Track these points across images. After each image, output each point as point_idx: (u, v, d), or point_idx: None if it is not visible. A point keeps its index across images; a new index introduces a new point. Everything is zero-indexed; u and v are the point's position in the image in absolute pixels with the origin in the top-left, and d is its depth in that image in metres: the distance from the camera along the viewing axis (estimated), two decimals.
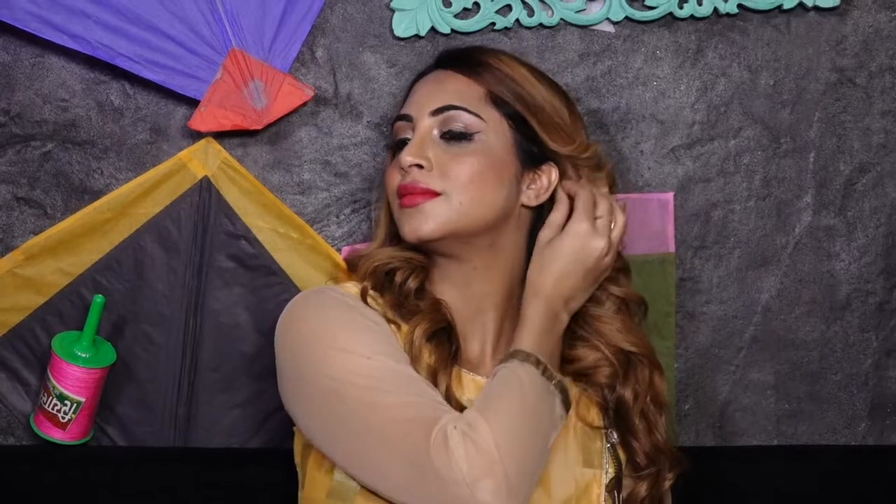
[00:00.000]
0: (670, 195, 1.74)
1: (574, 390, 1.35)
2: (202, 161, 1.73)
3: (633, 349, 1.37)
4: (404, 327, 1.30)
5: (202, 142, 1.72)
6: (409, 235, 1.33)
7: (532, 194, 1.37)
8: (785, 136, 1.75)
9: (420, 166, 1.33)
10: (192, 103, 1.70)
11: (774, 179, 1.75)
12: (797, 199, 1.76)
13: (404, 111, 1.40)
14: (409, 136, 1.38)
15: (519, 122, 1.37)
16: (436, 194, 1.32)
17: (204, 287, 1.75)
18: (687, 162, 1.75)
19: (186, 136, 1.73)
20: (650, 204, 1.74)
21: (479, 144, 1.35)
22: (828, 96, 1.74)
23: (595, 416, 1.37)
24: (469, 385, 1.32)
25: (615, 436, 1.37)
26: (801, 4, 1.70)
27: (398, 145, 1.39)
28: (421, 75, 1.46)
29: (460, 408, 1.26)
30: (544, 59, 1.71)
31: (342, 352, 1.22)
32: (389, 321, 1.30)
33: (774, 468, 1.70)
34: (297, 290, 1.69)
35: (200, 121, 1.69)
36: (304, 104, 1.72)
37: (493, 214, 1.35)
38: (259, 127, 1.70)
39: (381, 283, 1.35)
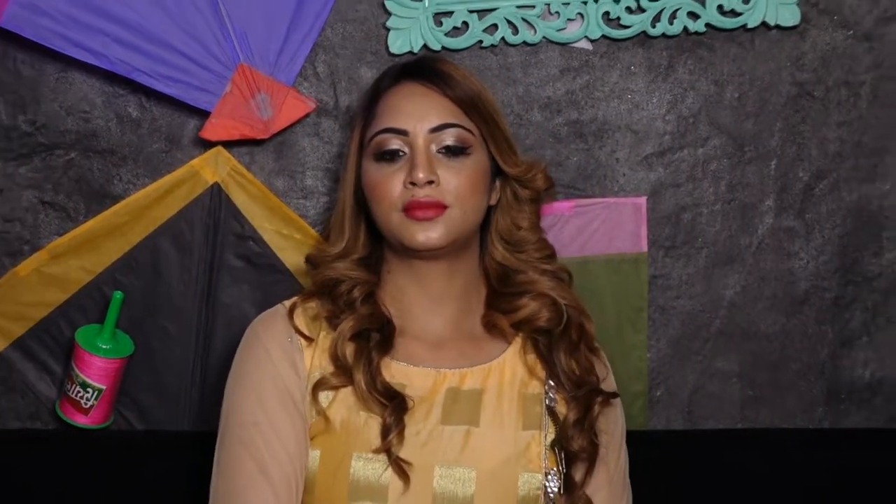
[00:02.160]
0: (643, 199, 1.78)
1: (521, 370, 1.43)
2: (213, 168, 1.76)
3: (561, 300, 1.44)
4: (321, 337, 1.40)
5: (213, 150, 1.76)
6: (422, 244, 1.38)
7: (494, 195, 1.46)
8: (749, 144, 1.78)
9: (431, 182, 1.37)
10: (204, 115, 1.74)
11: (739, 185, 1.78)
12: (760, 202, 1.78)
13: (396, 125, 1.41)
14: (400, 149, 1.40)
15: (487, 136, 1.43)
16: (445, 207, 1.38)
17: (215, 283, 1.79)
18: (659, 169, 1.78)
19: (198, 145, 1.77)
20: (625, 207, 1.78)
21: (473, 157, 1.41)
22: (788, 108, 1.77)
23: (536, 385, 1.43)
24: (398, 372, 1.39)
25: (553, 398, 1.42)
26: (763, 24, 1.73)
27: (388, 156, 1.41)
28: (389, 84, 1.46)
29: (388, 390, 1.36)
30: (528, 74, 1.76)
31: (238, 392, 1.39)
32: (305, 337, 1.40)
33: (739, 450, 1.72)
34: (299, 286, 1.73)
35: (211, 131, 1.73)
36: (307, 115, 1.76)
37: (480, 218, 1.44)
38: (265, 136, 1.74)
39: (330, 291, 1.43)
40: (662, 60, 1.77)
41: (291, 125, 1.76)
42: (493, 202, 1.46)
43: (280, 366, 1.38)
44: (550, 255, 1.49)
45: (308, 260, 1.50)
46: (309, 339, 1.40)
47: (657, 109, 1.78)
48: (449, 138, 1.40)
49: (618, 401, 1.49)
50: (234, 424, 1.37)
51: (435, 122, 1.40)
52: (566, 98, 1.77)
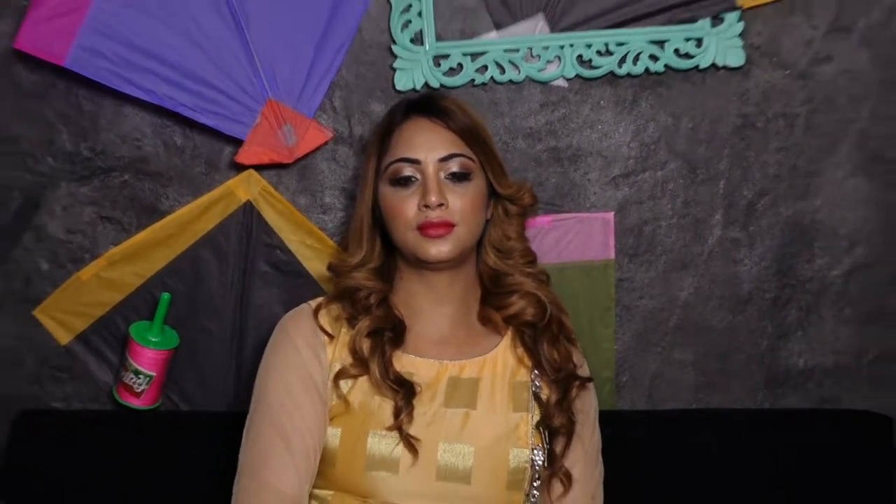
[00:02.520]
0: (611, 214, 1.82)
1: (511, 361, 1.48)
2: (245, 188, 1.81)
3: (544, 298, 1.49)
4: (342, 334, 1.44)
5: (245, 173, 1.81)
6: (434, 257, 1.43)
7: (489, 211, 1.53)
8: (701, 167, 1.82)
9: (441, 205, 1.43)
10: (238, 142, 1.78)
11: (692, 202, 1.82)
12: (710, 217, 1.83)
13: (410, 155, 1.45)
14: (413, 175, 1.45)
15: (484, 163, 1.49)
16: (453, 226, 1.44)
17: (248, 287, 1.83)
18: (624, 188, 1.83)
19: (233, 168, 1.82)
20: (595, 221, 1.82)
21: (474, 182, 1.46)
22: (734, 136, 1.81)
23: (524, 374, 1.48)
24: (407, 363, 1.45)
25: (538, 385, 1.47)
26: (713, 65, 1.78)
27: (403, 181, 1.45)
28: (400, 119, 1.49)
29: (399, 378, 1.41)
30: (513, 108, 1.80)
31: (268, 378, 1.43)
32: (328, 334, 1.44)
33: (693, 427, 1.77)
34: (321, 289, 1.78)
35: (244, 156, 1.79)
36: (326, 143, 1.81)
37: (480, 232, 1.50)
38: (290, 161, 1.79)
39: (350, 297, 1.48)
40: (628, 96, 1.80)
41: (312, 151, 1.80)
42: (488, 217, 1.53)
43: (305, 355, 1.44)
44: (533, 260, 1.55)
45: (330, 268, 1.54)
46: (331, 336, 1.46)
47: (623, 137, 1.82)
48: (454, 166, 1.45)
49: (591, 386, 1.55)
50: (262, 405, 1.43)
51: (443, 153, 1.45)
52: (546, 128, 1.81)
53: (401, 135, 1.48)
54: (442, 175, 1.45)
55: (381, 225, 1.51)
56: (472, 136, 1.47)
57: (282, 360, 1.44)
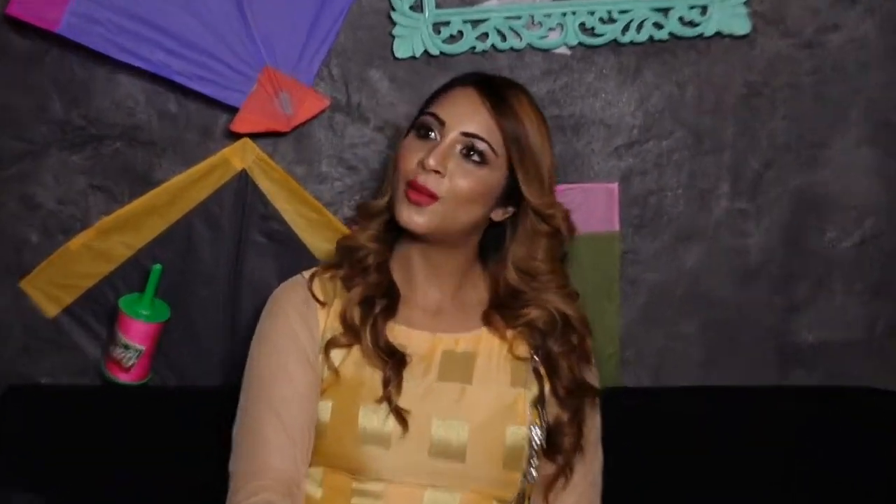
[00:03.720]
0: (615, 185, 1.82)
1: (509, 333, 1.45)
2: (241, 157, 1.80)
3: (568, 312, 1.45)
4: (334, 304, 1.42)
5: (241, 141, 1.79)
6: (404, 223, 1.40)
7: (500, 213, 1.46)
8: (706, 137, 1.82)
9: (437, 172, 1.38)
10: (233, 110, 1.78)
11: (698, 172, 1.83)
12: (716, 188, 1.83)
13: (440, 113, 1.41)
14: (433, 132, 1.41)
15: (513, 169, 1.42)
16: (435, 198, 1.38)
17: (242, 257, 1.82)
18: (628, 158, 1.83)
19: (228, 137, 1.81)
20: (599, 192, 1.81)
21: (486, 171, 1.40)
22: (740, 106, 1.82)
23: (524, 350, 1.45)
24: (399, 334, 1.42)
25: (537, 360, 1.44)
26: (718, 33, 1.77)
27: (423, 132, 1.41)
28: (459, 82, 1.45)
29: (389, 347, 1.39)
30: (515, 76, 1.72)
31: (260, 351, 1.42)
32: (320, 302, 1.42)
33: (699, 405, 1.78)
34: (314, 259, 1.76)
35: (239, 124, 1.78)
36: (323, 111, 1.80)
37: (469, 226, 1.44)
38: (286, 129, 1.78)
39: (349, 256, 1.46)
40: (631, 64, 1.81)
41: (309, 120, 1.80)
42: (497, 218, 1.46)
43: (296, 326, 1.42)
44: (565, 283, 1.47)
45: (358, 208, 1.52)
46: (322, 304, 1.44)
47: (627, 107, 1.82)
48: (475, 145, 1.40)
49: (593, 367, 1.50)
50: (255, 380, 1.42)
51: (470, 129, 1.40)
52: (548, 97, 1.81)
53: (449, 93, 1.45)
54: (458, 147, 1.41)
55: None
56: (514, 141, 1.42)
57: (273, 331, 1.43)
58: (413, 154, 1.41)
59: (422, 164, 1.39)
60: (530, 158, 1.42)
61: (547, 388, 1.45)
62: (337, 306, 1.44)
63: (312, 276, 1.46)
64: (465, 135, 1.41)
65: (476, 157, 1.41)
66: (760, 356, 1.87)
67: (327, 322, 1.43)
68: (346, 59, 1.83)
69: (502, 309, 1.48)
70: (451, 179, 1.40)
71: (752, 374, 1.87)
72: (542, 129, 1.45)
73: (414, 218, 1.39)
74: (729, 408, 1.77)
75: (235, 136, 1.81)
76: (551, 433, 1.43)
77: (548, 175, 1.45)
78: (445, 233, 1.42)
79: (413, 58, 1.81)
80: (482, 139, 1.41)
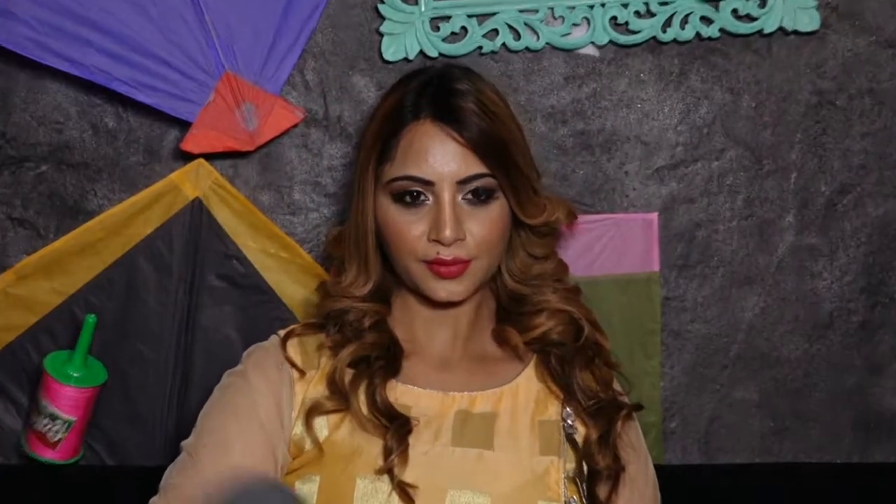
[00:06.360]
0: (654, 215, 1.76)
1: (535, 394, 1.41)
2: (193, 182, 1.74)
3: (573, 311, 1.42)
4: (322, 365, 1.38)
5: (194, 163, 1.73)
6: (445, 298, 1.37)
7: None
8: (767, 157, 1.76)
9: (460, 239, 1.35)
10: (185, 125, 1.71)
11: (757, 199, 1.76)
12: (779, 218, 1.77)
13: (420, 175, 1.36)
14: (423, 193, 1.37)
15: (504, 184, 1.39)
16: (468, 262, 1.36)
17: (195, 305, 1.76)
18: (671, 182, 1.76)
19: (178, 157, 1.75)
20: (635, 224, 1.76)
21: (497, 203, 1.38)
22: (808, 118, 1.75)
23: (553, 411, 1.40)
24: (403, 395, 1.38)
25: (571, 424, 1.40)
26: (780, 29, 1.71)
27: (411, 202, 1.37)
28: (406, 120, 1.40)
29: (389, 410, 1.34)
30: (530, 82, 1.73)
31: (207, 418, 1.38)
32: (298, 370, 1.38)
33: (759, 485, 1.70)
34: (286, 309, 1.72)
35: (192, 143, 1.71)
36: (295, 126, 1.74)
37: (500, 261, 1.42)
38: (250, 148, 1.72)
39: (338, 320, 1.40)
40: (674, 68, 1.75)
41: (278, 136, 1.75)
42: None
43: (257, 396, 1.37)
44: (564, 274, 1.49)
45: (321, 288, 1.48)
46: (302, 372, 1.39)
47: (669, 119, 1.77)
48: (475, 189, 1.37)
49: (635, 416, 1.48)
50: (201, 429, 1.38)
51: (462, 174, 1.36)
52: (571, 107, 1.76)
53: (410, 143, 1.38)
54: (459, 198, 1.37)
55: (378, 235, 1.44)
56: (490, 151, 1.38)
57: (228, 399, 1.39)
58: (411, 228, 1.37)
59: (438, 241, 1.36)
60: (516, 175, 1.40)
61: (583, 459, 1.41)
62: (324, 370, 1.40)
63: (287, 337, 1.42)
64: (462, 182, 1.37)
65: (483, 196, 1.38)
66: (836, 426, 1.80)
67: (308, 390, 1.39)
68: (323, 63, 1.77)
69: (510, 320, 1.47)
70: (472, 234, 1.37)
71: (824, 449, 1.80)
72: (511, 124, 1.42)
73: (454, 290, 1.38)
74: (796, 489, 1.70)
75: (188, 157, 1.75)
76: (581, 459, 1.40)
77: (535, 178, 1.44)
78: (482, 285, 1.43)
79: (406, 60, 1.74)
80: (477, 176, 1.37)
